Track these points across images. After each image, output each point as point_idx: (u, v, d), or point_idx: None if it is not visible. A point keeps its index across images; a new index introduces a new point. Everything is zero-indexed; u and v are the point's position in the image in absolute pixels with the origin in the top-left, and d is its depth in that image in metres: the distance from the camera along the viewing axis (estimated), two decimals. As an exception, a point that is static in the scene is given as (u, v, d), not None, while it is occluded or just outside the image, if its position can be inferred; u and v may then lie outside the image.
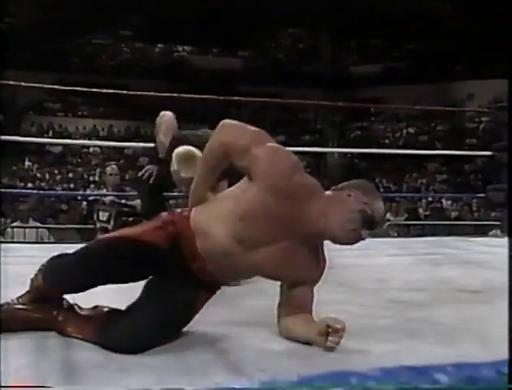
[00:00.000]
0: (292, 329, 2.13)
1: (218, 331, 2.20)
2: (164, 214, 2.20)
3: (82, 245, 2.12)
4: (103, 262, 2.04)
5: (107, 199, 5.49)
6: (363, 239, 2.07)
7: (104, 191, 7.28)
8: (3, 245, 5.02)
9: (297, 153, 2.40)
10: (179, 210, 2.26)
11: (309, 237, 2.10)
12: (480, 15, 20.91)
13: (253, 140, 2.08)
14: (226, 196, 2.18)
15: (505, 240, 5.44)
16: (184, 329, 2.11)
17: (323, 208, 2.05)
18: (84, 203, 8.12)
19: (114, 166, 6.92)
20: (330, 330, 1.94)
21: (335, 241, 2.09)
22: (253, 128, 2.15)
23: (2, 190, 9.54)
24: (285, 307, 2.18)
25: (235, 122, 2.17)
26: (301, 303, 2.16)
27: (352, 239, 2.06)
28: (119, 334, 1.97)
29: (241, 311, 2.56)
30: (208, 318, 2.20)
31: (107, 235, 2.36)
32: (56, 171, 20.55)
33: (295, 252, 2.08)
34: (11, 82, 6.45)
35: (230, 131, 2.12)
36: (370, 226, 2.07)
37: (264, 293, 2.62)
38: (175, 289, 2.08)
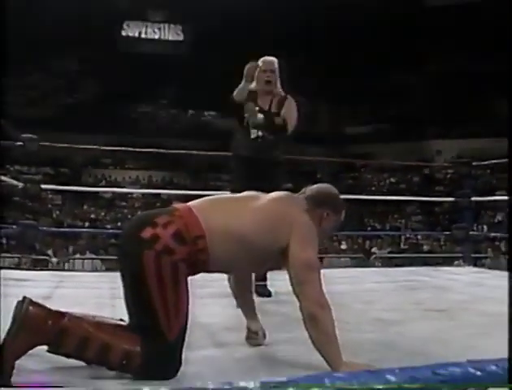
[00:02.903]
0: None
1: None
2: None
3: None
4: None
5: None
6: None
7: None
8: (67, 273, 5.07)
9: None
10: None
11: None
12: (449, 89, 21.08)
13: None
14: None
15: (466, 269, 5.45)
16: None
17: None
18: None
19: None
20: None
21: None
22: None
23: (67, 229, 9.61)
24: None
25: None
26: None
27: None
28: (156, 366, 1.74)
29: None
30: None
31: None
32: (107, 213, 20.67)
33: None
34: (79, 145, 6.52)
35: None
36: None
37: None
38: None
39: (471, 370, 1.10)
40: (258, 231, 1.88)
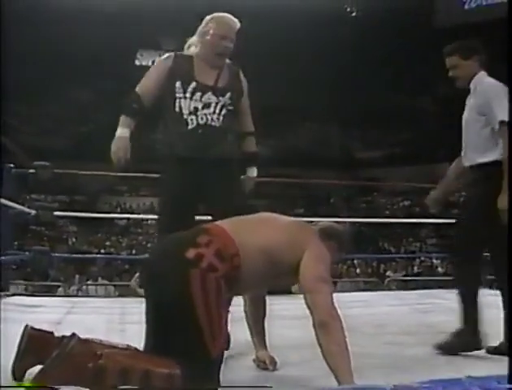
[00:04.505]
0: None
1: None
2: None
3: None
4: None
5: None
6: None
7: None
8: (78, 299, 5.07)
9: (311, 222, 2.41)
10: None
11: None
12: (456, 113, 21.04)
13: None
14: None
15: (482, 291, 5.35)
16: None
17: None
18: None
19: None
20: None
21: None
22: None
23: (80, 256, 9.64)
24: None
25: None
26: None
27: None
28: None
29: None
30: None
31: None
32: (122, 239, 20.73)
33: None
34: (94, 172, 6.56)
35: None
36: None
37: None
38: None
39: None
40: (282, 247, 1.96)
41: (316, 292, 1.90)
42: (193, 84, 2.51)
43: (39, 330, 1.87)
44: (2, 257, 4.36)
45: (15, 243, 6.21)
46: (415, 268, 12.74)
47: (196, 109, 2.50)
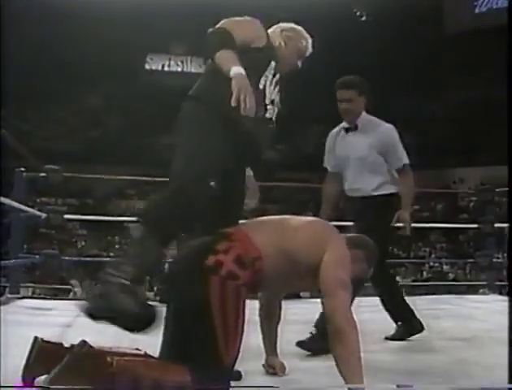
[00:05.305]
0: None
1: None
2: None
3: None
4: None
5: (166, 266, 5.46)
6: None
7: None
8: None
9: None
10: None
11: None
12: (467, 118, 21.01)
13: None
14: None
15: (491, 297, 5.34)
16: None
17: None
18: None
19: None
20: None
21: None
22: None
23: (89, 259, 9.67)
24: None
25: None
26: None
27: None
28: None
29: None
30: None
31: None
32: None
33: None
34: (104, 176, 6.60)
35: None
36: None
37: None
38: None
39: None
40: (302, 247, 1.93)
41: (334, 297, 1.88)
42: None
43: (49, 342, 1.86)
44: (13, 260, 4.40)
45: (25, 246, 6.24)
46: (424, 273, 12.71)
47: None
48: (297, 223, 2.03)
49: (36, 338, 1.85)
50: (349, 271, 1.94)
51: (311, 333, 2.75)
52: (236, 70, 1.93)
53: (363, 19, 20.93)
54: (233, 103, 1.87)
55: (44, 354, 1.82)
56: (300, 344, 2.70)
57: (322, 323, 2.55)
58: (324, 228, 2.07)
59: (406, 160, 3.15)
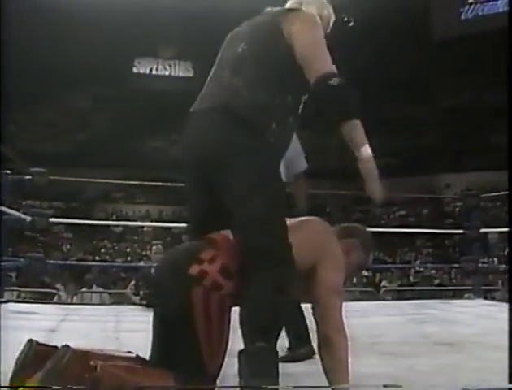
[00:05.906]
0: None
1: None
2: None
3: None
4: None
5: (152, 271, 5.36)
6: None
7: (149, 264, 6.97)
8: (73, 307, 5.05)
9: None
10: None
11: None
12: (453, 124, 21.16)
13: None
14: None
15: (476, 301, 5.37)
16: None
17: None
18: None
19: (159, 246, 6.62)
20: None
21: None
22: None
23: (74, 262, 9.61)
24: None
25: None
26: None
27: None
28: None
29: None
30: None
31: None
32: (117, 247, 20.69)
33: None
34: (90, 179, 6.55)
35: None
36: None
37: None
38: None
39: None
40: (293, 248, 1.81)
41: (325, 304, 1.85)
42: None
43: (45, 345, 1.79)
44: (-2, 264, 4.35)
45: (10, 249, 6.18)
46: (411, 278, 12.76)
47: None
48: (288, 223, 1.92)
49: (31, 340, 1.79)
50: (342, 276, 1.92)
51: (288, 347, 2.76)
52: (368, 151, 1.89)
53: (351, 24, 21.02)
54: (367, 193, 1.82)
55: (39, 357, 1.75)
56: (281, 359, 2.66)
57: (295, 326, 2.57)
58: (316, 228, 2.00)
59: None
